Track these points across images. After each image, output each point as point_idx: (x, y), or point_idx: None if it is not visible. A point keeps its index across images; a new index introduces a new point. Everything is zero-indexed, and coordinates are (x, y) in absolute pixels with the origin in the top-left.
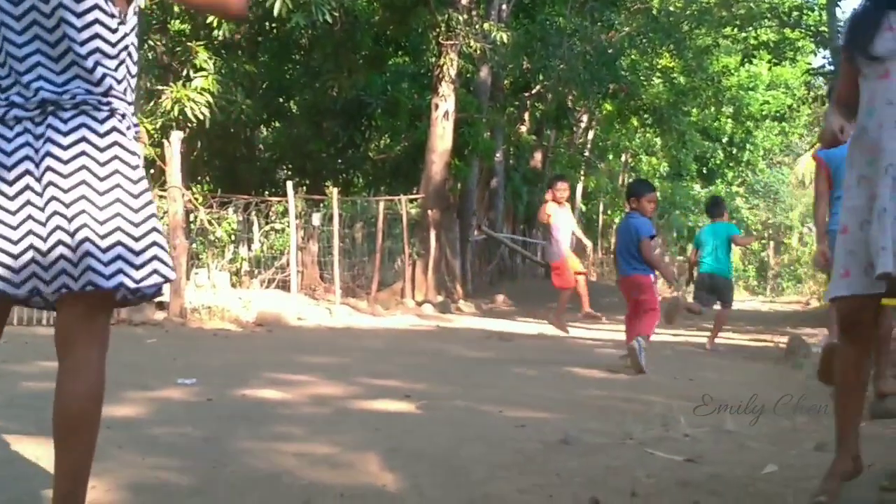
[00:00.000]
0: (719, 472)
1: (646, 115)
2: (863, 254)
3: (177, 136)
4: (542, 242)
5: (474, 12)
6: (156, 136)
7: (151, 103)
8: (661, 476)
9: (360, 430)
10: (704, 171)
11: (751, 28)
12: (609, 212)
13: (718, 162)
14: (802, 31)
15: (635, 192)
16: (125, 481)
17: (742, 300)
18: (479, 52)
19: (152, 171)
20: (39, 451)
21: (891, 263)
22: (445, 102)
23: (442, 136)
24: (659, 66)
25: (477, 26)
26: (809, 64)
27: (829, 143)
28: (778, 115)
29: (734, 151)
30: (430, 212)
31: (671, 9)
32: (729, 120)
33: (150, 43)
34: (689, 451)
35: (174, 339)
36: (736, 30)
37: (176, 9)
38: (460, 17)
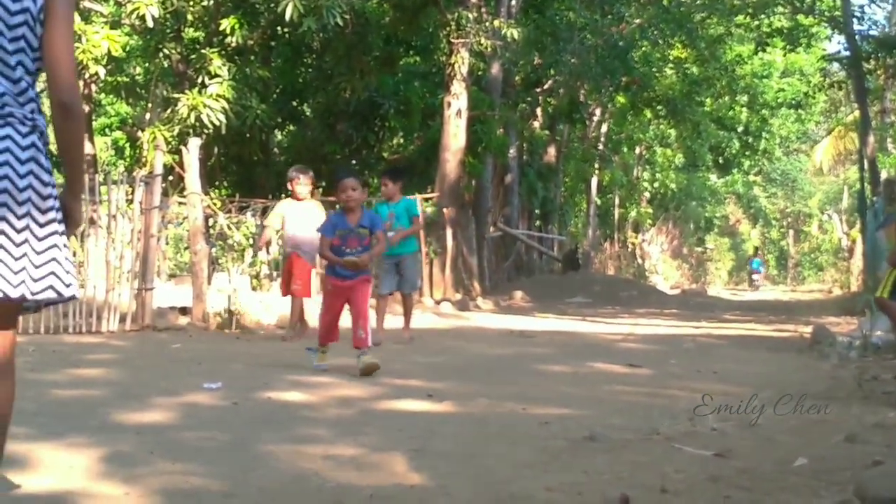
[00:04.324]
0: (749, 466)
1: (659, 107)
2: None
3: (195, 143)
4: (560, 238)
5: (484, 10)
6: (173, 143)
7: (168, 111)
8: (690, 471)
9: (384, 431)
10: (720, 161)
11: (763, 15)
12: (626, 205)
13: (734, 151)
14: (816, 16)
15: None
16: (158, 487)
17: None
18: (489, 49)
19: (171, 177)
20: (72, 459)
21: None
22: (458, 100)
23: (455, 135)
24: (671, 57)
25: (487, 24)
26: (824, 50)
27: None
28: (793, 102)
29: (750, 140)
30: (445, 210)
31: None
32: (744, 109)
33: (165, 51)
34: (718, 446)
35: (198, 343)
36: (748, 18)
37: (189, 17)
38: (470, 15)
